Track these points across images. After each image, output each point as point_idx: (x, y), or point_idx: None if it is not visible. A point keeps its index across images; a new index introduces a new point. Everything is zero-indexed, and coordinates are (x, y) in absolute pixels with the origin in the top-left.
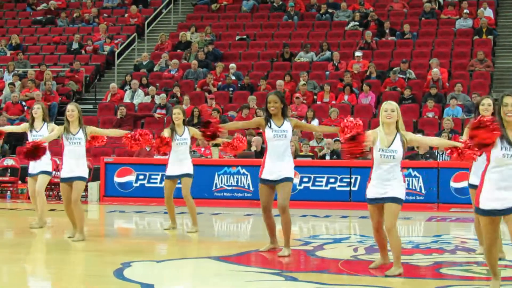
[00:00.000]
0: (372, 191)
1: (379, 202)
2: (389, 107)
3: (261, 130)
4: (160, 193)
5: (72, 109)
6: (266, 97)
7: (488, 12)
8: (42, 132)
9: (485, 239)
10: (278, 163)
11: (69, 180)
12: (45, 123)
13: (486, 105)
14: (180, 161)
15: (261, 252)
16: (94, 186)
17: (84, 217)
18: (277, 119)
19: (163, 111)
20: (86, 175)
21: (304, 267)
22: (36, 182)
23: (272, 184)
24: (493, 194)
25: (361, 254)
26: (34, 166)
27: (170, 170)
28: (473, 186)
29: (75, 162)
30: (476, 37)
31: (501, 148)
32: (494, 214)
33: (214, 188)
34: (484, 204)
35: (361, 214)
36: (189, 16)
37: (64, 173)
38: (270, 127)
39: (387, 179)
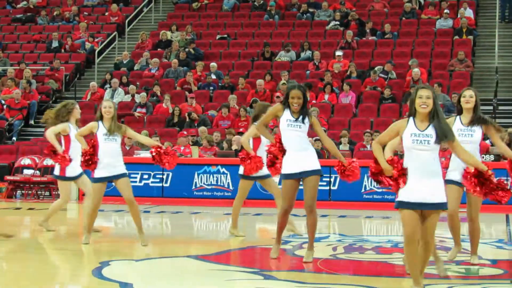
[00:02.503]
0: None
1: None
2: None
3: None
4: (139, 191)
5: (109, 105)
6: (288, 91)
7: (468, 12)
8: None
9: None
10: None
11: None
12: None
13: (467, 97)
14: None
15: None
16: (73, 186)
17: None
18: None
19: (143, 110)
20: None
21: (283, 266)
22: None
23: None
24: None
25: (340, 253)
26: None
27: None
28: (453, 182)
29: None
30: (456, 37)
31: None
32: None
33: (193, 187)
34: None
35: (340, 213)
36: (169, 15)
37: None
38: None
39: None
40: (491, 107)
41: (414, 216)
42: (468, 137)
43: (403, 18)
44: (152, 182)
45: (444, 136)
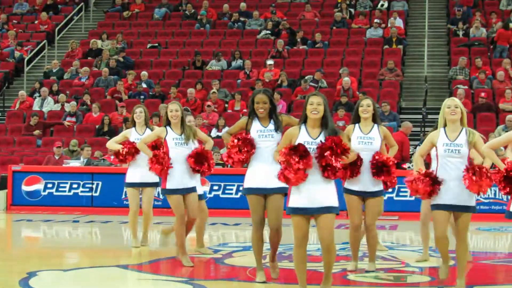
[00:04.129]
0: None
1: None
2: (453, 103)
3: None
4: (68, 201)
5: (175, 108)
6: (253, 96)
7: (398, 22)
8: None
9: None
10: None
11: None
12: (147, 128)
13: (365, 106)
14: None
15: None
16: (1, 195)
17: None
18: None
19: (73, 119)
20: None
21: (213, 275)
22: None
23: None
24: None
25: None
26: (140, 175)
27: None
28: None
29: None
30: (386, 46)
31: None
32: None
33: (123, 196)
34: None
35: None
36: (100, 23)
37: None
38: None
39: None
40: (420, 116)
41: (304, 221)
42: (367, 145)
43: (334, 28)
44: (81, 191)
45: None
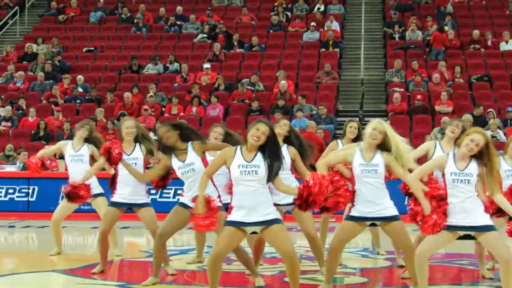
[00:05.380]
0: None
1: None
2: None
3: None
4: (4, 206)
5: (131, 125)
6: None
7: (335, 25)
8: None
9: None
10: None
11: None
12: (85, 145)
13: (282, 125)
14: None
15: None
16: None
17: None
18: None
19: (8, 124)
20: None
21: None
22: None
23: None
24: None
25: (206, 265)
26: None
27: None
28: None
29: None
30: (323, 49)
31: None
32: None
33: (60, 201)
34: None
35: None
36: (35, 27)
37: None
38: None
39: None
40: (357, 119)
41: (239, 236)
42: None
43: (271, 31)
44: (17, 196)
45: (274, 166)
